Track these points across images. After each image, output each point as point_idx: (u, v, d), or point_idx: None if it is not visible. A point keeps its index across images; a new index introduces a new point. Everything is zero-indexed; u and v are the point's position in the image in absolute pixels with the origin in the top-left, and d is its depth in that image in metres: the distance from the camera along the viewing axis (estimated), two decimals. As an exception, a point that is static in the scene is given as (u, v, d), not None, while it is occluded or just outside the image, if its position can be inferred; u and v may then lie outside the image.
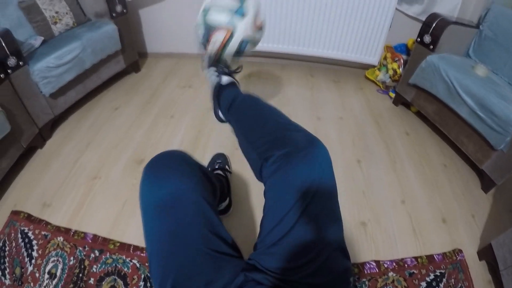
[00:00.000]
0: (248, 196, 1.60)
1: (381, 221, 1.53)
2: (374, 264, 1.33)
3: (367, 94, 2.53)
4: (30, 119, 1.70)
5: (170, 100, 2.28)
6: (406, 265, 1.34)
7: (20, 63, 1.58)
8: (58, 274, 1.25)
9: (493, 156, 1.66)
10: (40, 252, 1.32)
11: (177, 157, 0.88)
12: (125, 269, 1.26)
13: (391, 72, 2.46)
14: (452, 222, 1.57)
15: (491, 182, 1.70)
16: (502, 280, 1.24)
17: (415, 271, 1.33)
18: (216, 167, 1.60)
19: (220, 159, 1.66)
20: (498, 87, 1.71)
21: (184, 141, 1.89)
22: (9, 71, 1.53)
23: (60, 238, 1.36)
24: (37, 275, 1.25)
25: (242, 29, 1.26)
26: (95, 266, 1.27)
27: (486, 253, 1.38)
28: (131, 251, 1.32)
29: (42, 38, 1.86)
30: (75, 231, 1.39)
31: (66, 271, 1.26)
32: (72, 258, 1.30)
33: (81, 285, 1.22)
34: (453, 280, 1.32)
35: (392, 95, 2.45)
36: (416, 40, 2.09)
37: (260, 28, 1.35)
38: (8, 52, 1.50)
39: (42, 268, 1.27)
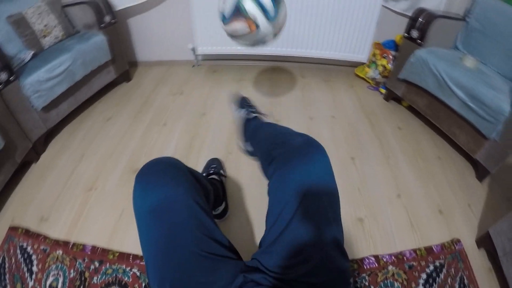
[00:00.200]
0: (244, 199, 1.61)
1: (377, 216, 1.54)
2: (373, 259, 1.34)
3: (358, 92, 2.55)
4: (23, 133, 1.70)
5: (162, 108, 2.28)
6: (405, 258, 1.35)
7: (11, 78, 1.58)
8: (59, 287, 1.25)
9: (485, 145, 1.68)
10: (40, 266, 1.32)
11: (167, 163, 0.89)
12: (126, 279, 1.26)
13: (380, 68, 2.47)
14: (449, 212, 1.58)
15: (485, 171, 1.72)
16: (502, 267, 1.25)
17: (414, 264, 1.33)
18: (211, 172, 1.60)
19: (215, 164, 1.67)
20: (487, 77, 1.73)
21: (178, 147, 1.89)
22: (0, 86, 1.52)
23: (59, 251, 1.36)
24: (38, 289, 1.25)
25: (264, 32, 1.34)
26: (95, 277, 1.27)
27: (485, 241, 1.39)
28: (130, 260, 1.31)
29: (32, 51, 1.86)
30: (74, 243, 1.38)
31: (67, 284, 1.25)
32: (72, 270, 1.29)
33: (82, 297, 1.22)
34: (453, 269, 1.33)
35: (383, 91, 2.47)
36: (404, 35, 2.10)
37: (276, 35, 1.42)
38: (-1, 67, 1.50)
39: (43, 283, 1.26)
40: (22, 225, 1.47)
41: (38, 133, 1.81)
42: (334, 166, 0.86)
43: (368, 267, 1.31)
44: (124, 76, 2.56)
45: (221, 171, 1.65)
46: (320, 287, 0.73)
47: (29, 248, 1.38)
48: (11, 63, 1.59)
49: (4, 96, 1.56)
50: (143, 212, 0.79)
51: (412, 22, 2.02)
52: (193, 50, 2.69)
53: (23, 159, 1.70)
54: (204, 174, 1.59)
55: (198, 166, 1.72)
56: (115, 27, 2.28)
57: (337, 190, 0.86)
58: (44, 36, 1.95)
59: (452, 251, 1.39)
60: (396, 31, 2.45)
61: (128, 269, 1.29)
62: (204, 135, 2.00)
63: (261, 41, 1.42)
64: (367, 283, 1.26)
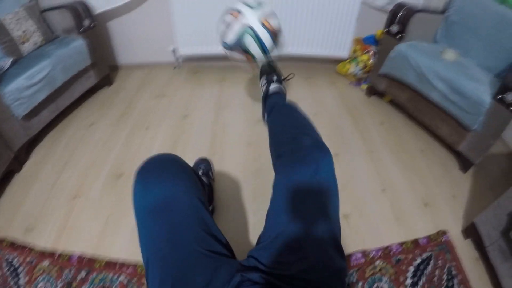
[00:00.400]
0: (230, 200, 1.60)
1: (363, 212, 1.55)
2: (360, 254, 1.35)
3: (339, 88, 2.55)
4: (5, 143, 1.66)
5: (144, 111, 2.26)
6: (392, 252, 1.36)
7: (-10, 86, 1.55)
8: (47, 299, 1.23)
9: (468, 137, 1.70)
10: (27, 279, 1.30)
11: (167, 159, 0.89)
12: (114, 287, 1.25)
13: (361, 64, 2.49)
14: (434, 205, 1.60)
15: (468, 162, 1.74)
16: (489, 256, 1.27)
17: (402, 257, 1.35)
18: (200, 172, 1.60)
19: (203, 164, 1.66)
20: (468, 69, 1.75)
21: (161, 151, 1.82)
22: (-21, 96, 1.50)
23: (46, 262, 1.34)
24: (26, 302, 1.23)
25: (259, 60, 1.47)
26: (83, 287, 1.25)
27: (471, 231, 1.42)
28: (117, 267, 1.30)
29: (11, 59, 1.82)
30: (60, 254, 1.36)
31: (56, 295, 1.24)
32: (60, 281, 1.28)
33: (71, 307, 1.20)
34: (440, 261, 1.34)
35: (364, 86, 2.49)
36: (384, 30, 2.12)
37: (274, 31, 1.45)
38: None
39: (31, 295, 1.25)
40: (8, 237, 1.45)
41: (20, 142, 1.77)
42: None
43: (355, 263, 1.32)
44: (106, 80, 2.52)
45: (210, 173, 1.64)
46: (316, 285, 0.73)
47: (15, 261, 1.35)
48: (-11, 72, 1.56)
49: (-16, 106, 1.53)
50: (144, 210, 0.79)
51: (392, 17, 2.03)
52: (174, 51, 2.67)
53: (6, 169, 1.67)
54: None
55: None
56: (95, 31, 2.25)
57: (338, 191, 0.88)
58: (23, 43, 1.92)
59: (439, 243, 1.41)
60: (376, 26, 2.46)
61: (115, 277, 1.28)
62: (187, 137, 2.00)
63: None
64: (355, 280, 1.27)
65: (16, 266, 1.34)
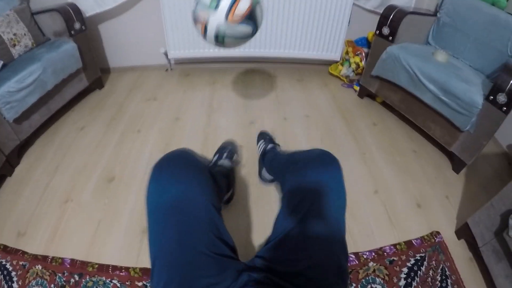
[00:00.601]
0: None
1: (356, 214, 1.55)
2: (353, 256, 1.35)
3: (332, 90, 2.56)
4: (-4, 147, 1.65)
5: (135, 114, 2.25)
6: (385, 254, 1.36)
7: (-20, 90, 1.54)
8: (40, 303, 1.22)
9: (460, 138, 1.71)
10: (20, 283, 1.28)
11: (185, 158, 0.89)
12: (107, 290, 1.24)
13: (354, 65, 2.50)
14: (427, 206, 1.61)
15: (461, 162, 1.75)
16: (482, 256, 1.28)
17: (395, 258, 1.35)
18: (224, 155, 1.58)
19: (229, 147, 1.64)
20: (459, 70, 1.77)
21: (152, 154, 1.88)
22: (-32, 100, 1.48)
23: (39, 266, 1.32)
24: (19, 307, 1.22)
25: (214, 22, 1.23)
26: (76, 291, 1.24)
27: (464, 232, 1.42)
28: (110, 271, 1.29)
29: (1, 62, 1.80)
30: (53, 258, 1.35)
31: (48, 300, 1.22)
32: (52, 285, 1.26)
33: (64, 312, 1.19)
34: (434, 262, 1.35)
35: (357, 88, 2.49)
36: (375, 32, 2.13)
37: (238, 21, 1.28)
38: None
39: (24, 299, 1.23)
40: (0, 241, 1.43)
41: (11, 146, 1.75)
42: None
43: (348, 265, 1.32)
44: (97, 84, 2.50)
45: (235, 156, 1.63)
46: (320, 283, 0.75)
47: (8, 265, 1.34)
48: (-21, 75, 1.55)
49: (-26, 109, 1.51)
50: (158, 208, 0.79)
51: (383, 19, 2.04)
52: (165, 54, 2.66)
53: (-3, 173, 1.65)
54: (216, 157, 1.57)
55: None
56: (86, 34, 2.23)
57: (345, 194, 0.93)
58: (14, 45, 1.90)
59: (432, 243, 1.42)
60: (368, 28, 2.48)
61: (108, 280, 1.27)
62: (179, 140, 1.99)
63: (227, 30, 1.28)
64: (348, 281, 1.27)
65: (10, 269, 1.33)
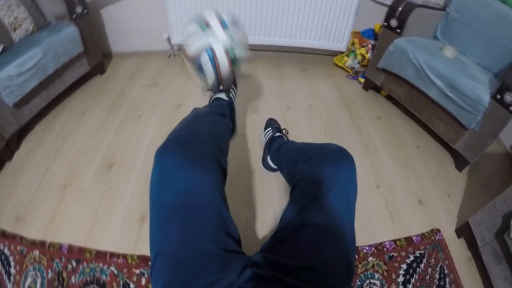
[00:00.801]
0: (228, 190, 1.59)
1: (357, 207, 1.50)
2: (353, 251, 1.34)
3: (336, 81, 2.54)
4: (-5, 131, 1.64)
5: (137, 100, 2.23)
6: (385, 249, 1.36)
7: (-20, 74, 1.52)
8: (37, 288, 1.22)
9: (465, 135, 1.69)
10: (17, 268, 1.29)
11: (191, 144, 0.85)
12: (104, 277, 1.24)
13: (359, 57, 2.47)
14: (429, 202, 1.60)
15: (464, 161, 1.74)
16: (482, 256, 1.27)
17: (394, 254, 1.34)
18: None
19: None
20: (467, 67, 1.74)
21: (153, 140, 1.87)
22: (-32, 83, 1.47)
23: (36, 252, 1.32)
24: (16, 292, 1.22)
25: (216, 40, 1.21)
26: (73, 277, 1.24)
27: (464, 231, 1.41)
28: (107, 258, 1.29)
29: (2, 46, 1.78)
30: (50, 243, 1.35)
31: (46, 285, 1.23)
32: (50, 271, 1.27)
33: (61, 298, 1.19)
34: (433, 260, 1.34)
35: (362, 80, 2.47)
36: (383, 24, 2.09)
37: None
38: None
39: (22, 284, 1.24)
40: (-2, 227, 1.43)
41: (11, 130, 1.74)
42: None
43: (350, 260, 1.31)
44: (98, 68, 2.48)
45: (232, 92, 1.56)
46: (327, 278, 0.74)
47: (6, 250, 1.34)
48: (-21, 59, 1.53)
49: (-27, 94, 1.50)
50: (163, 202, 0.77)
51: (391, 11, 2.01)
52: (169, 39, 2.62)
53: (-4, 158, 1.65)
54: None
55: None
56: (87, 18, 2.20)
57: (357, 192, 0.92)
58: (15, 29, 1.88)
59: (432, 241, 1.41)
60: (375, 20, 2.44)
61: (105, 267, 1.27)
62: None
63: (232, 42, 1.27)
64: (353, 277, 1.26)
65: (7, 254, 1.33)
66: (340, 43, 2.51)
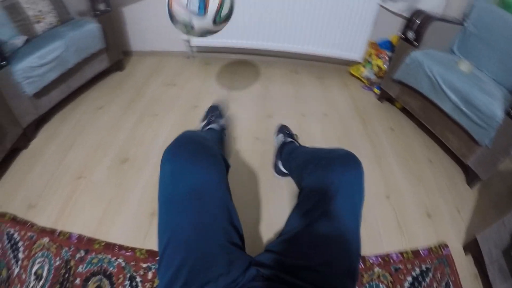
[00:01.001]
0: (239, 191, 1.59)
1: (366, 216, 1.51)
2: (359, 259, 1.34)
3: (352, 91, 2.54)
4: (14, 119, 1.67)
5: (154, 99, 2.26)
6: (391, 260, 1.35)
7: (3, 63, 1.56)
8: (44, 275, 1.24)
9: (478, 152, 1.68)
10: (26, 253, 1.31)
11: (199, 142, 0.88)
12: (111, 269, 1.25)
13: (375, 68, 2.47)
14: (438, 216, 1.59)
15: (476, 177, 1.72)
16: (488, 274, 1.25)
17: (401, 266, 1.34)
18: (211, 120, 1.59)
19: (215, 112, 1.65)
20: (482, 83, 1.73)
21: (168, 139, 1.84)
22: (-9, 71, 1.50)
23: (46, 239, 1.34)
24: (23, 276, 1.24)
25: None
26: (81, 266, 1.26)
27: (472, 247, 1.40)
28: (116, 250, 1.31)
29: (25, 37, 1.83)
30: (60, 232, 1.37)
31: (53, 272, 1.24)
32: (58, 258, 1.28)
33: (67, 286, 1.21)
34: (439, 274, 1.33)
35: (377, 91, 2.47)
36: (400, 36, 2.10)
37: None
38: (-11, 52, 1.48)
39: (29, 270, 1.26)
40: (10, 212, 1.46)
41: (29, 120, 1.78)
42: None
43: (355, 267, 1.31)
44: (118, 65, 2.53)
45: (221, 122, 1.62)
46: (330, 281, 0.75)
47: (16, 234, 1.36)
48: (2, 48, 1.57)
49: (-5, 81, 1.54)
50: (177, 193, 0.79)
51: (409, 23, 2.01)
52: (188, 41, 2.66)
53: (13, 145, 1.68)
54: (203, 123, 1.57)
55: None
56: (110, 15, 2.25)
57: (364, 198, 0.94)
58: (38, 22, 1.92)
59: (439, 255, 1.40)
60: (392, 31, 2.44)
61: (113, 259, 1.28)
62: (197, 127, 1.98)
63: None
64: (356, 284, 1.26)
65: (17, 239, 1.35)
66: (356, 53, 2.52)
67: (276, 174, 1.68)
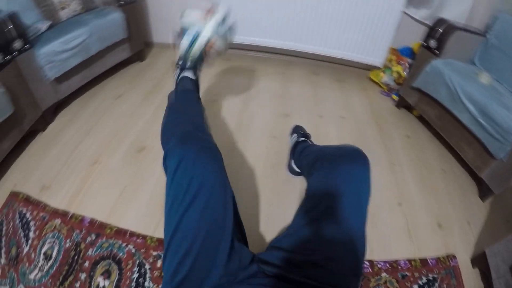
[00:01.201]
0: (252, 187, 1.62)
1: (376, 222, 1.54)
2: (367, 263, 1.34)
3: (370, 95, 2.53)
4: (34, 102, 1.71)
5: (172, 91, 2.28)
6: (399, 267, 1.34)
7: (26, 46, 1.59)
8: (53, 255, 1.26)
9: (492, 165, 1.66)
10: (37, 233, 1.33)
11: (199, 137, 0.91)
12: (121, 254, 1.27)
13: (395, 74, 2.46)
14: (448, 227, 1.57)
15: (489, 190, 1.70)
16: (494, 289, 1.25)
17: (408, 274, 1.33)
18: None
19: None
20: (501, 96, 1.72)
21: None
22: (15, 53, 1.53)
23: (58, 221, 1.37)
24: (32, 255, 1.26)
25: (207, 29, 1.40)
26: (91, 250, 1.28)
27: (480, 261, 1.39)
28: (127, 236, 1.32)
29: (49, 22, 1.86)
30: (73, 214, 1.39)
31: (62, 253, 1.26)
32: (68, 240, 1.30)
33: (75, 268, 1.22)
34: (445, 285, 1.32)
35: (395, 97, 2.45)
36: (422, 44, 2.09)
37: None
38: (14, 35, 1.51)
39: (38, 249, 1.28)
40: (24, 192, 1.48)
41: (48, 103, 1.82)
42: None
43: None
44: (139, 55, 2.56)
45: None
46: (334, 277, 0.75)
47: (28, 214, 1.39)
48: (26, 32, 1.60)
49: (18, 64, 1.57)
50: (184, 186, 0.80)
51: (431, 31, 2.00)
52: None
53: (31, 127, 1.71)
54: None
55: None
56: (134, 6, 2.28)
57: (370, 194, 0.94)
58: (62, 8, 1.95)
59: (446, 266, 1.39)
60: (414, 39, 2.43)
61: (124, 245, 1.30)
62: (212, 121, 1.98)
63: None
64: (360, 282, 1.26)
65: (29, 219, 1.38)
66: (377, 58, 2.51)
67: (289, 173, 1.69)
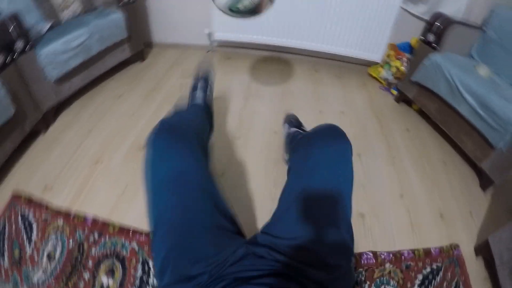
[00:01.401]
0: (254, 183, 1.63)
1: (379, 214, 1.54)
2: (371, 254, 1.34)
3: (369, 91, 2.54)
4: (35, 103, 1.71)
5: (173, 90, 2.29)
6: (403, 257, 1.35)
7: (28, 47, 1.59)
8: (57, 256, 1.26)
9: (492, 155, 1.67)
10: (39, 234, 1.33)
11: (180, 130, 0.89)
12: (124, 252, 1.27)
13: (394, 69, 2.47)
14: (450, 218, 1.58)
15: (489, 180, 1.71)
16: (498, 275, 1.24)
17: (411, 263, 1.33)
18: (198, 86, 1.60)
19: (202, 81, 1.64)
20: (500, 87, 1.73)
21: None
22: (16, 54, 1.54)
23: (60, 221, 1.37)
24: (36, 257, 1.26)
25: None
26: (94, 249, 1.28)
27: (483, 249, 1.39)
28: (130, 234, 1.32)
29: (50, 23, 1.87)
30: (75, 214, 1.39)
31: (65, 254, 1.26)
32: (71, 240, 1.30)
33: (79, 268, 1.23)
34: (449, 274, 1.32)
35: (394, 92, 2.46)
36: (420, 38, 2.10)
37: None
38: (16, 35, 1.52)
39: (41, 250, 1.28)
40: (26, 193, 1.49)
41: (49, 104, 1.82)
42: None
43: (365, 262, 1.31)
44: (139, 56, 2.57)
45: (208, 93, 1.59)
46: (322, 259, 0.74)
47: (30, 216, 1.39)
48: (28, 33, 1.60)
49: (19, 64, 1.57)
50: (158, 179, 0.80)
51: (429, 26, 2.01)
52: (209, 35, 2.69)
53: (32, 129, 1.72)
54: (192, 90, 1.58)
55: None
56: (134, 6, 2.29)
57: (352, 168, 0.91)
58: (63, 9, 1.96)
59: (450, 255, 1.39)
60: (412, 34, 2.44)
61: (127, 242, 1.30)
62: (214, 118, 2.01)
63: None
64: (363, 278, 1.26)
65: (31, 221, 1.37)
66: (376, 54, 2.52)
67: (285, 164, 1.68)
